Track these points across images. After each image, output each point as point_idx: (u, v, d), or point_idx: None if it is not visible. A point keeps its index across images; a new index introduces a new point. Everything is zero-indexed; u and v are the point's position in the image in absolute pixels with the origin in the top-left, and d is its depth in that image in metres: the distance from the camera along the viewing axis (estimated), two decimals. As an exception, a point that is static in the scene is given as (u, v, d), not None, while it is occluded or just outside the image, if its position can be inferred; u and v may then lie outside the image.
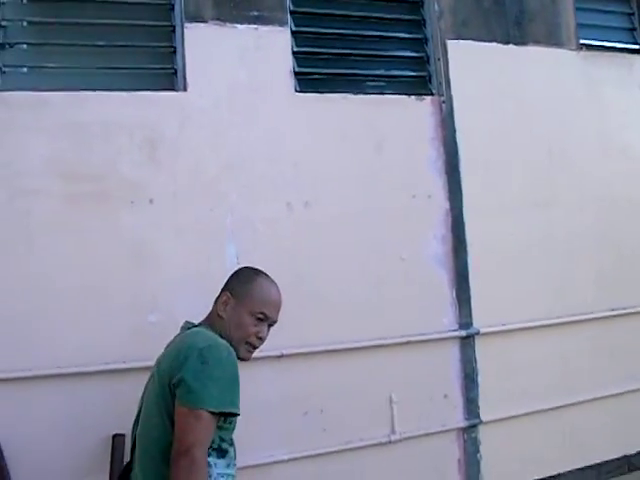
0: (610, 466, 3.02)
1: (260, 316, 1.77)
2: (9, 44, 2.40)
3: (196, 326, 1.79)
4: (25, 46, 2.45)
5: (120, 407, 2.19)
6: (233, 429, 1.71)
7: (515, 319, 2.83)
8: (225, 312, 1.78)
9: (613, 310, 3.08)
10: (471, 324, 2.77)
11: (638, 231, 3.23)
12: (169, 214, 2.41)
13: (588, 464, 2.97)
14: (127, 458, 1.89)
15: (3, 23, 2.39)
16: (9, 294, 2.22)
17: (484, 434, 2.76)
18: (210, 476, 1.58)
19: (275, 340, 1.98)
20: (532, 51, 3.10)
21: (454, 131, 2.87)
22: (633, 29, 3.50)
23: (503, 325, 2.80)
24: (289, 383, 2.46)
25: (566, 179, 3.07)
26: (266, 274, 1.86)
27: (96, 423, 2.24)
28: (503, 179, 2.93)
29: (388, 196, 2.70)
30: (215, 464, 1.62)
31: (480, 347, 2.78)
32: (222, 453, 1.65)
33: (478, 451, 2.76)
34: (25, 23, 2.46)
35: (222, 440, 1.65)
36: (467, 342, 2.76)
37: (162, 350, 1.81)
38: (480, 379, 2.77)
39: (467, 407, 2.75)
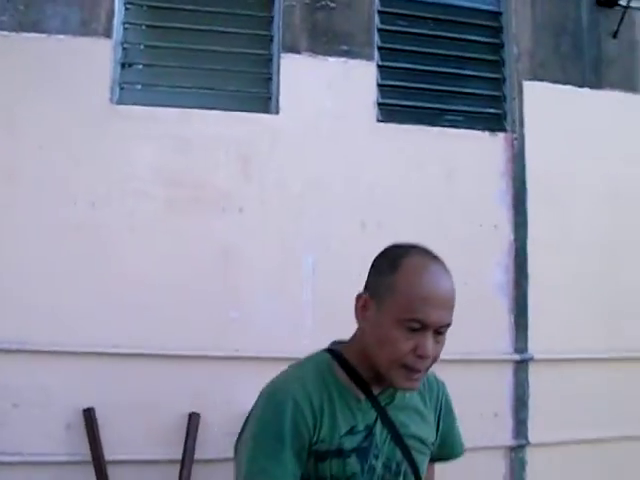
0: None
1: (414, 325, 1.11)
2: (128, 64, 2.72)
3: (329, 349, 1.28)
4: (141, 66, 2.75)
5: (194, 389, 2.46)
6: None
7: (569, 349, 2.87)
8: (366, 321, 1.19)
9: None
10: (526, 350, 2.85)
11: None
12: (255, 222, 2.66)
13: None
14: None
15: (125, 45, 2.72)
16: (108, 284, 2.51)
17: (531, 455, 2.82)
18: None
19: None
20: (607, 95, 3.14)
21: (524, 167, 2.96)
22: None
23: (557, 354, 2.86)
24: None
25: (631, 221, 3.08)
26: (423, 250, 1.21)
27: (173, 401, 2.47)
28: (568, 216, 2.99)
29: (456, 223, 2.82)
30: None
31: (533, 372, 2.85)
32: None
33: (524, 470, 2.81)
34: (142, 46, 2.77)
35: None
36: (521, 366, 2.84)
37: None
38: (531, 402, 2.83)
39: (516, 427, 2.82)
